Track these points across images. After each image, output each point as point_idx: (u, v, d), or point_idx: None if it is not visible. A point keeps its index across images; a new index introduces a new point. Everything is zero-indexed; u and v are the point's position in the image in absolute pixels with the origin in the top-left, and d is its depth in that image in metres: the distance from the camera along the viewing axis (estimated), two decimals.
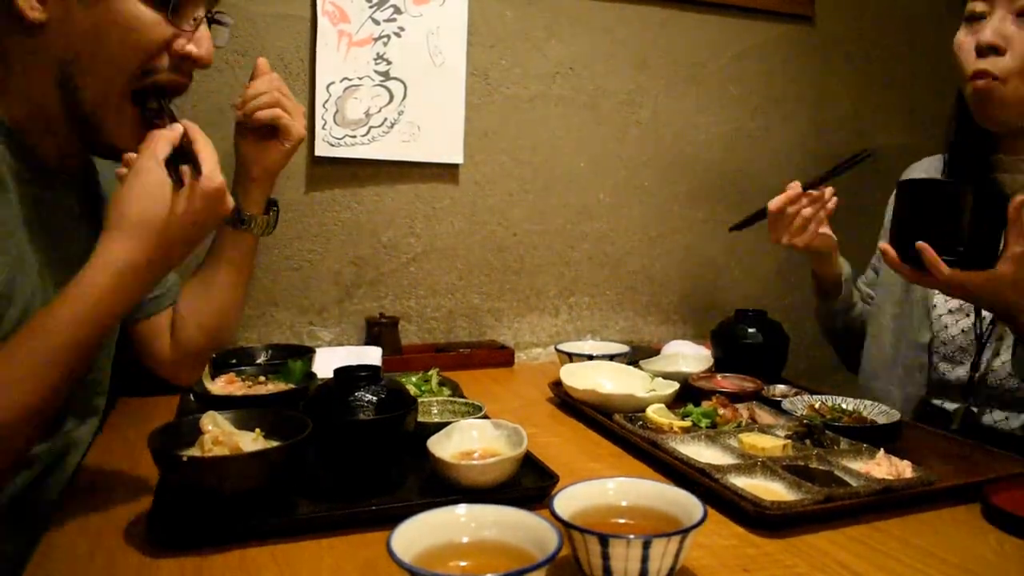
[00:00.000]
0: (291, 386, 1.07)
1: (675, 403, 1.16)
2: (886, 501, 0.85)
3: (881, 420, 1.10)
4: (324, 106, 1.48)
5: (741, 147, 1.87)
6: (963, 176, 1.22)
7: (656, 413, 1.09)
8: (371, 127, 1.52)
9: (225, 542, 0.75)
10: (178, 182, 0.86)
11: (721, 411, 1.11)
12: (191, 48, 0.94)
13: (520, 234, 1.69)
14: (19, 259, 0.89)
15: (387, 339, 1.50)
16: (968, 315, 1.19)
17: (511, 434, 0.92)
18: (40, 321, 0.80)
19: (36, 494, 0.98)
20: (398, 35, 1.52)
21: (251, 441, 0.82)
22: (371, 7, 1.49)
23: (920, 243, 0.97)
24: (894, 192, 1.09)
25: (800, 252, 1.32)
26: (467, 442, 0.93)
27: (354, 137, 1.51)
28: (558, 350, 1.43)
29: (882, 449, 0.95)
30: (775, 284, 1.94)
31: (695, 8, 1.78)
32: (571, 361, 1.36)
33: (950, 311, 1.21)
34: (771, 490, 0.86)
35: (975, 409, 1.17)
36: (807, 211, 1.26)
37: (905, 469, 0.90)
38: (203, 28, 0.96)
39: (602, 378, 1.27)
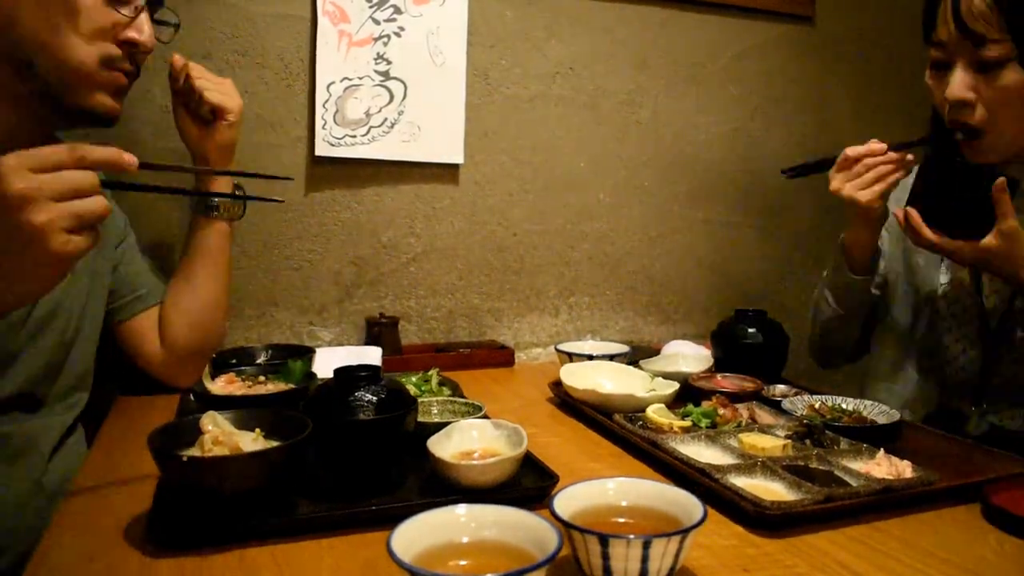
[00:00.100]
0: (291, 386, 1.07)
1: (675, 403, 1.16)
2: (886, 501, 0.85)
3: (881, 420, 1.10)
4: (324, 106, 1.48)
5: (741, 147, 1.87)
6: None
7: (656, 413, 1.09)
8: (371, 127, 1.52)
9: (225, 542, 0.75)
10: None
11: (721, 411, 1.11)
12: (133, 34, 0.99)
13: (520, 234, 1.69)
14: None
15: (387, 339, 1.50)
16: (972, 319, 1.19)
17: (511, 434, 0.92)
18: None
19: (4, 480, 0.98)
20: (398, 35, 1.52)
21: (251, 441, 0.82)
22: (371, 7, 1.49)
23: (908, 208, 1.09)
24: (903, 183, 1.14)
25: (853, 210, 1.20)
26: (467, 442, 0.93)
27: (354, 137, 1.51)
28: (558, 350, 1.43)
29: (882, 449, 0.95)
30: (775, 284, 1.94)
31: (695, 8, 1.78)
32: (571, 361, 1.36)
33: (953, 315, 1.21)
34: (771, 490, 0.86)
35: (986, 407, 1.16)
36: (884, 168, 1.17)
37: (905, 469, 0.90)
38: (143, 16, 1.00)
39: (602, 378, 1.27)
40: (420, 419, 0.95)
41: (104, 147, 0.76)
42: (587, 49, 1.70)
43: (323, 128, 1.49)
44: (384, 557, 0.58)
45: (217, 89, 1.17)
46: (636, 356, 1.42)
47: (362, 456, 0.85)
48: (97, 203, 0.74)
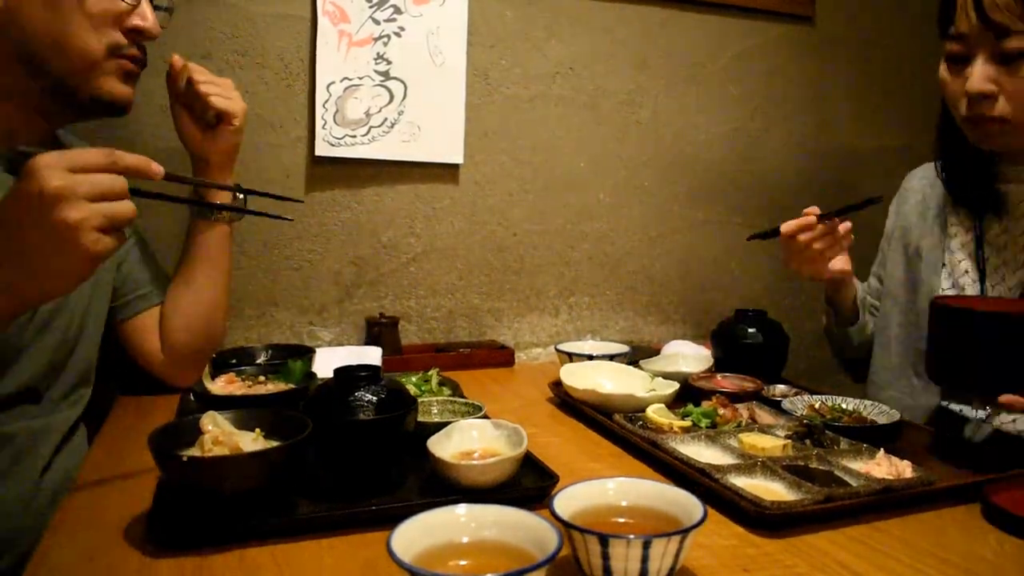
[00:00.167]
0: (291, 386, 1.07)
1: (675, 403, 1.16)
2: (886, 501, 0.85)
3: (881, 420, 1.10)
4: (324, 106, 1.48)
5: (741, 147, 1.87)
6: (966, 190, 1.21)
7: (656, 413, 1.09)
8: (371, 127, 1.52)
9: (225, 542, 0.75)
10: None
11: (721, 411, 1.11)
12: (138, 21, 1.02)
13: (520, 234, 1.69)
14: None
15: (387, 339, 1.50)
16: None
17: (511, 434, 0.92)
18: None
19: (7, 477, 0.99)
20: (398, 35, 1.52)
21: (251, 441, 0.82)
22: (371, 7, 1.49)
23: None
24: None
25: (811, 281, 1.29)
26: (467, 442, 0.93)
27: (354, 137, 1.51)
28: (558, 350, 1.43)
29: (882, 449, 0.95)
30: (775, 284, 1.94)
31: (695, 8, 1.78)
32: (571, 361, 1.36)
33: None
34: (771, 490, 0.86)
35: (988, 411, 1.16)
36: (818, 244, 1.22)
37: (905, 469, 0.90)
38: (145, 3, 1.03)
39: (602, 378, 1.27)
40: (420, 419, 0.95)
41: (135, 155, 0.80)
42: (587, 49, 1.70)
43: (323, 128, 1.49)
44: (384, 557, 0.58)
45: (222, 93, 1.15)
46: (636, 356, 1.42)
47: (362, 456, 0.85)
48: (126, 206, 0.78)
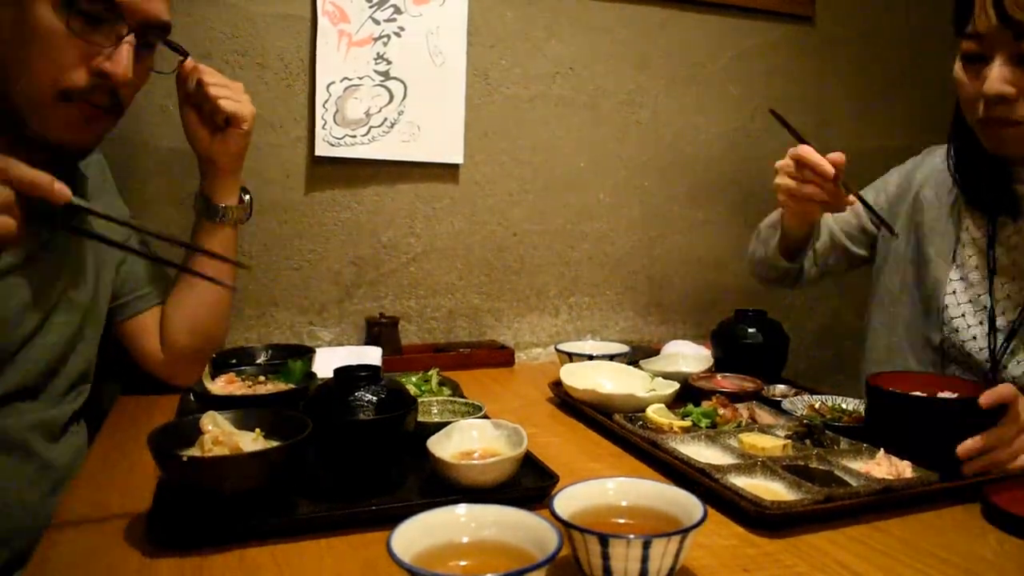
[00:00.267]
0: (291, 386, 1.07)
1: (675, 403, 1.16)
2: (886, 501, 0.85)
3: None
4: (324, 106, 1.48)
5: (741, 147, 1.87)
6: (979, 192, 1.19)
7: (656, 413, 1.09)
8: (371, 127, 1.52)
9: (225, 542, 0.75)
10: None
11: (721, 411, 1.11)
12: (106, 64, 0.92)
13: (520, 234, 1.69)
14: None
15: (387, 339, 1.50)
16: (981, 323, 1.17)
17: (511, 434, 0.92)
18: None
19: (6, 475, 0.99)
20: (398, 35, 1.52)
21: (251, 441, 0.82)
22: (371, 7, 1.49)
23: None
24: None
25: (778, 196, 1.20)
26: (467, 442, 0.93)
27: (354, 137, 1.51)
28: (558, 350, 1.43)
29: (882, 449, 0.94)
30: None
31: (695, 8, 1.78)
32: (571, 361, 1.36)
33: (963, 315, 1.20)
34: (771, 490, 0.86)
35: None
36: (816, 191, 1.14)
37: (905, 469, 0.90)
38: (125, 48, 0.94)
39: (602, 378, 1.27)
40: (420, 419, 0.95)
41: (37, 172, 0.76)
42: (587, 49, 1.70)
43: (323, 128, 1.49)
44: (384, 557, 0.58)
45: (232, 97, 1.14)
46: (636, 356, 1.42)
47: (362, 456, 0.85)
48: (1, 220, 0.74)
